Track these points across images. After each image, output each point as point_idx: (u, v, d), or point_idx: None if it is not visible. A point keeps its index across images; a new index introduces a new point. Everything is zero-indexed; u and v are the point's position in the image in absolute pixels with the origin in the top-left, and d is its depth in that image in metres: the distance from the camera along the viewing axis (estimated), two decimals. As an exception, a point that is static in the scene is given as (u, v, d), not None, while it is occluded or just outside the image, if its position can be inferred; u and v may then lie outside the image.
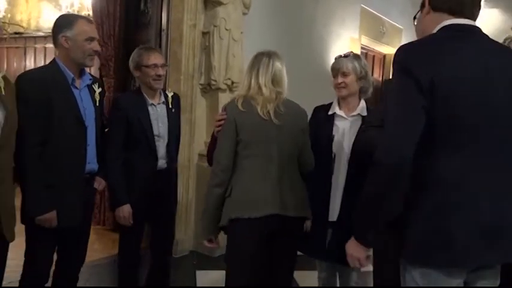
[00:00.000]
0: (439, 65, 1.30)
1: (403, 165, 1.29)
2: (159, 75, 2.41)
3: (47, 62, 8.25)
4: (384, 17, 6.52)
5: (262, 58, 2.03)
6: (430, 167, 1.34)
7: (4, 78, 1.80)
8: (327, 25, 5.21)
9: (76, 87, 2.10)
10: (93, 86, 2.19)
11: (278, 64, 2.03)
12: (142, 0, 3.89)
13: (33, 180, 1.96)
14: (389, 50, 7.05)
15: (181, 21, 3.56)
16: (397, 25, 6.93)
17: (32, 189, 1.97)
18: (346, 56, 2.25)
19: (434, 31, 1.42)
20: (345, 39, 5.50)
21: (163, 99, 2.53)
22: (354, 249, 1.46)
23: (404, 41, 7.23)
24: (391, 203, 1.34)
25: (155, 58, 2.43)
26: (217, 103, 3.72)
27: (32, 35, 7.43)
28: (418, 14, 1.54)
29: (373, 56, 6.99)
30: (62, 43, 2.06)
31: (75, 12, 6.24)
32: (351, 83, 2.20)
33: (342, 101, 2.26)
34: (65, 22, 2.09)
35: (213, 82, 3.67)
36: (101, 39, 3.97)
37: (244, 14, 3.79)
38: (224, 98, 3.72)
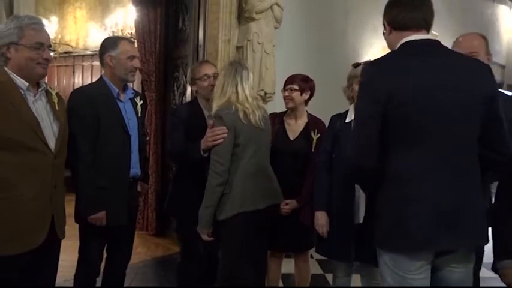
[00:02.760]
0: (395, 77, 1.51)
1: (370, 173, 1.55)
2: (213, 85, 2.52)
3: (94, 78, 8.72)
4: (417, 24, 6.50)
5: (241, 70, 2.28)
6: (389, 166, 1.55)
7: (57, 95, 2.01)
8: (359, 35, 5.28)
9: (120, 101, 2.33)
10: (135, 99, 2.42)
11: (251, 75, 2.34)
12: (180, 18, 4.12)
13: (86, 185, 2.18)
14: (425, 57, 7.00)
15: (217, 37, 3.76)
16: (432, 31, 6.87)
17: (85, 192, 2.19)
18: (363, 64, 2.36)
19: (397, 47, 1.61)
20: (377, 48, 5.53)
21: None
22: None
23: (440, 47, 7.15)
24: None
25: (207, 69, 2.59)
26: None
27: (80, 53, 7.88)
28: (384, 32, 1.72)
29: (408, 63, 6.97)
30: (108, 62, 2.29)
31: (120, 31, 6.60)
32: None
33: None
34: (109, 43, 2.34)
35: (247, 93, 3.83)
36: (143, 56, 4.25)
37: (276, 28, 3.93)
38: (258, 108, 3.88)
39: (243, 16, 3.80)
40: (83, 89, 2.47)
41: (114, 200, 2.25)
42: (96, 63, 7.57)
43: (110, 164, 2.24)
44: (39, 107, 1.86)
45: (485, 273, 2.10)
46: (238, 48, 3.83)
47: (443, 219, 1.50)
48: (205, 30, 3.82)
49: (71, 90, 8.79)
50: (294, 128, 2.74)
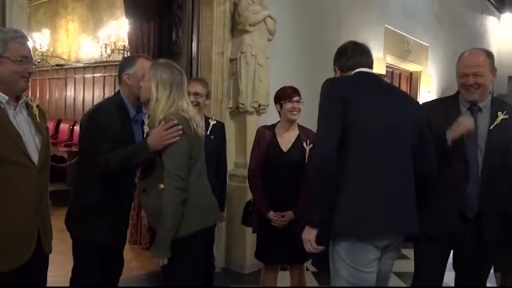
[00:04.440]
0: (350, 91, 1.85)
1: (329, 159, 1.77)
2: (191, 102, 2.51)
3: (86, 91, 8.59)
4: (408, 36, 6.58)
5: (178, 74, 2.08)
6: (346, 163, 1.80)
7: (38, 107, 1.95)
8: (351, 46, 5.32)
9: (134, 121, 2.28)
10: (143, 119, 2.33)
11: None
12: (174, 31, 4.12)
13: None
14: (416, 68, 7.08)
15: (210, 49, 3.79)
16: (423, 43, 6.97)
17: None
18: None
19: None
20: (369, 59, 5.58)
21: (202, 125, 2.71)
22: (306, 233, 1.86)
23: (430, 57, 7.24)
24: (326, 187, 1.79)
25: (189, 87, 2.61)
26: (245, 125, 3.89)
27: (72, 66, 7.88)
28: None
29: (400, 74, 7.04)
30: (125, 80, 2.25)
31: (112, 44, 6.60)
32: None
33: None
34: (127, 62, 2.31)
35: (241, 106, 3.83)
36: (136, 69, 4.24)
37: (269, 40, 3.95)
38: (252, 121, 3.89)
39: (236, 29, 3.83)
40: (105, 106, 2.29)
41: (117, 221, 2.25)
42: (89, 75, 7.56)
43: (119, 184, 2.24)
44: (20, 121, 1.82)
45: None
46: (231, 60, 3.86)
47: (393, 209, 1.79)
48: (198, 42, 3.84)
49: (63, 102, 8.80)
50: (286, 139, 2.75)
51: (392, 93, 2.01)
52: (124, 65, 2.30)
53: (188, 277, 2.05)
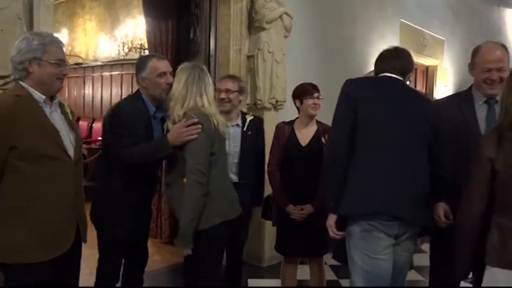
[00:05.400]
0: (361, 91, 2.02)
1: (339, 148, 1.97)
2: (222, 99, 2.69)
3: (104, 89, 8.64)
4: (424, 30, 6.54)
5: (204, 76, 2.20)
6: (356, 155, 1.94)
7: (68, 106, 2.06)
8: (367, 42, 5.32)
9: (154, 118, 2.35)
10: (164, 116, 2.39)
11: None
12: (191, 30, 4.19)
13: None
14: (432, 62, 7.03)
15: (228, 47, 3.84)
16: (439, 37, 6.91)
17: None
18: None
19: None
20: (385, 55, 5.57)
21: (239, 121, 2.80)
22: (328, 219, 2.03)
23: (446, 52, 7.19)
24: (338, 175, 1.95)
25: (220, 84, 2.79)
26: (263, 121, 3.94)
27: (90, 65, 8.00)
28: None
29: (416, 69, 7.00)
30: (141, 83, 2.32)
31: (129, 42, 6.69)
32: None
33: None
34: (139, 64, 2.35)
35: (258, 102, 3.89)
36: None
37: (285, 36, 3.99)
38: (269, 116, 3.93)
39: (253, 26, 3.87)
40: (126, 103, 2.39)
41: (140, 216, 2.33)
42: (107, 73, 7.68)
43: (141, 181, 2.32)
44: (56, 118, 1.93)
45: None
46: (249, 57, 3.90)
47: (391, 194, 1.89)
48: (216, 40, 3.90)
49: (82, 100, 8.91)
50: (305, 134, 2.80)
51: (406, 93, 2.10)
52: (137, 68, 2.35)
53: (208, 267, 2.14)
